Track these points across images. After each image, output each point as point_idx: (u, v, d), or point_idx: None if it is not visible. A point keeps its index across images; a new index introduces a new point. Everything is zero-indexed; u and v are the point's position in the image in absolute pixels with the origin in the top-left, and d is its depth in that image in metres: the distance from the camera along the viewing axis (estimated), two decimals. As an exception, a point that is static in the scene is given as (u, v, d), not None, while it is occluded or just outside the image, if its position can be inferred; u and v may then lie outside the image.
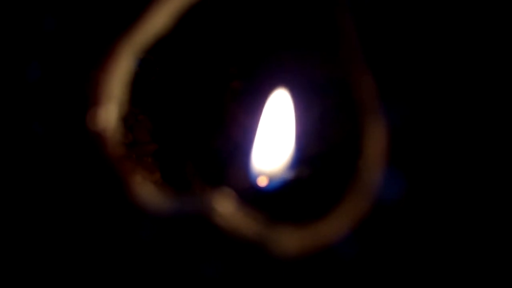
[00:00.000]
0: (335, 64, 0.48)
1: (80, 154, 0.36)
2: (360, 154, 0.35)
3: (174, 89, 0.51)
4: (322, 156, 0.49)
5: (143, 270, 0.35)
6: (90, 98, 0.36)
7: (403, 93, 0.34)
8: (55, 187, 0.36)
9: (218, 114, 0.51)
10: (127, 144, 0.47)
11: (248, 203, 0.37)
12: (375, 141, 0.34)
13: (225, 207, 0.35)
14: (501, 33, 0.35)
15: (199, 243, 0.34)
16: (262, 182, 0.47)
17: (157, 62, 0.50)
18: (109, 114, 0.36)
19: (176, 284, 0.35)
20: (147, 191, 0.35)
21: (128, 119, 0.48)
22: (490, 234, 0.34)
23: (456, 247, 0.34)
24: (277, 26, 0.50)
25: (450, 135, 0.34)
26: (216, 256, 0.34)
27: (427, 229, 0.34)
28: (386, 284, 0.34)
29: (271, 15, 0.50)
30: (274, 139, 0.47)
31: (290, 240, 0.34)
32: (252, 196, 0.46)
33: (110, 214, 0.36)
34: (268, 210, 0.39)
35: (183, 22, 0.38)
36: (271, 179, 0.47)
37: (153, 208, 0.35)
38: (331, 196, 0.37)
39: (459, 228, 0.34)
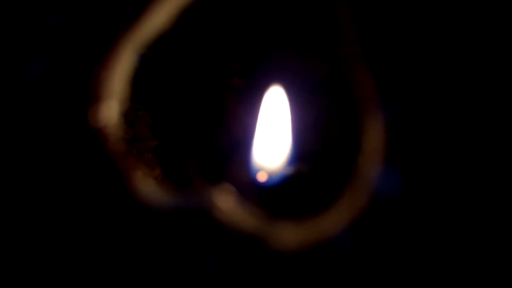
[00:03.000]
0: (334, 61, 0.48)
1: (81, 151, 0.36)
2: (359, 150, 0.35)
3: (175, 85, 0.51)
4: (321, 152, 0.49)
5: (144, 265, 0.35)
6: (92, 95, 0.36)
7: (401, 90, 0.34)
8: (57, 182, 0.37)
9: (219, 110, 0.51)
10: (127, 140, 0.47)
11: (248, 199, 0.37)
12: (373, 138, 0.34)
13: (226, 202, 0.35)
14: (496, 30, 0.35)
15: (200, 238, 0.35)
16: (262, 177, 0.47)
17: (158, 58, 0.50)
18: (110, 111, 0.36)
19: (177, 278, 0.35)
20: (148, 186, 0.36)
21: (128, 115, 0.48)
22: (485, 228, 0.34)
23: (452, 242, 0.34)
24: (277, 23, 0.50)
25: (447, 132, 0.34)
26: (217, 251, 0.34)
27: (424, 224, 0.34)
28: (384, 278, 0.34)
29: (272, 13, 0.50)
30: (274, 135, 0.48)
31: (289, 235, 0.34)
32: (252, 191, 0.46)
33: (111, 210, 0.36)
34: (268, 205, 0.39)
35: (184, 19, 0.39)
36: (271, 174, 0.47)
37: (154, 204, 0.35)
38: (330, 191, 0.37)
39: (455, 223, 0.34)
